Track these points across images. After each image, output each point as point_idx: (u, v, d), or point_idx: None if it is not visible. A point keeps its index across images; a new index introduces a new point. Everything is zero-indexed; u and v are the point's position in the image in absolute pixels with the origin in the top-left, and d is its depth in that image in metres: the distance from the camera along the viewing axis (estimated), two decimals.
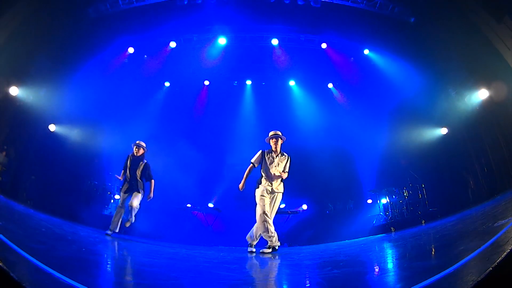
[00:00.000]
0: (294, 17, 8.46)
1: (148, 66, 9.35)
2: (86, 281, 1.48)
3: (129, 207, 5.26)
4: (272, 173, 4.51)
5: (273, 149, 4.64)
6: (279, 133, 4.72)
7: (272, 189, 4.48)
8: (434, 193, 7.77)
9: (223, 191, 9.88)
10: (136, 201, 5.29)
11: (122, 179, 5.51)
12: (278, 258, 3.84)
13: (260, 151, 4.71)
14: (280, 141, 4.64)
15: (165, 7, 7.90)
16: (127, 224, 5.35)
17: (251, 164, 4.65)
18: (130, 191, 5.37)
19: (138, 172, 5.42)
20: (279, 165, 4.56)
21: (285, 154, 4.70)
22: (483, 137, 7.46)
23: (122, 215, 5.32)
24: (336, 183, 9.68)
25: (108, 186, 8.17)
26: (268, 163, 4.57)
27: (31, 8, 6.59)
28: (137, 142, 5.57)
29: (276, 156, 4.61)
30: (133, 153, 5.49)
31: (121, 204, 5.35)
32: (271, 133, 4.73)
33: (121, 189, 5.48)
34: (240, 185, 4.58)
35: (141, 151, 5.54)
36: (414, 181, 7.96)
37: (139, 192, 5.38)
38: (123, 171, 5.51)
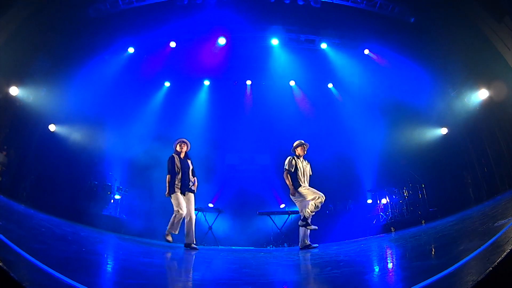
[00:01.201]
0: (294, 17, 8.46)
1: (148, 66, 9.35)
2: (86, 281, 1.48)
3: (187, 217, 4.78)
4: (305, 177, 5.12)
5: (301, 155, 5.28)
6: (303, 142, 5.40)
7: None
8: (434, 193, 7.77)
9: (224, 191, 9.89)
10: (192, 207, 4.93)
11: (170, 182, 4.93)
12: (278, 258, 3.85)
13: (291, 158, 5.21)
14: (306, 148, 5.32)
15: (165, 7, 7.89)
16: (193, 247, 4.71)
17: (287, 171, 5.09)
18: (184, 191, 4.92)
19: (190, 171, 5.09)
20: (306, 168, 5.21)
21: (305, 159, 5.33)
22: (483, 137, 7.47)
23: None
24: (336, 183, 9.67)
25: (108, 186, 8.16)
26: (300, 168, 5.13)
27: (31, 8, 6.59)
28: (182, 139, 5.26)
29: (303, 162, 5.23)
30: (178, 151, 5.15)
31: (182, 206, 4.73)
32: (302, 141, 5.33)
33: (176, 188, 4.87)
34: (292, 191, 5.02)
35: (185, 148, 5.24)
36: (414, 181, 7.96)
37: (193, 193, 5.00)
38: (169, 175, 4.98)
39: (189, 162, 5.20)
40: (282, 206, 9.75)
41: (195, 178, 5.16)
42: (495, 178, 6.99)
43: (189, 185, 4.99)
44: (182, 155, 5.17)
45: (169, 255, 3.92)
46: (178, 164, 5.02)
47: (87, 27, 7.75)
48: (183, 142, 5.24)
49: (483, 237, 2.34)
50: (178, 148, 5.18)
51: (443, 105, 8.49)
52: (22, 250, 1.75)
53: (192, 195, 5.00)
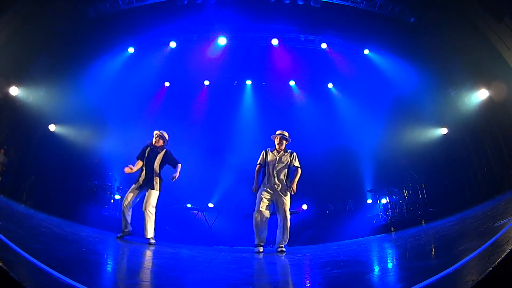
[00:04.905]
0: (294, 17, 8.47)
1: (148, 66, 9.35)
2: (86, 281, 1.48)
3: (144, 211, 4.61)
4: (274, 171, 4.53)
5: (276, 148, 4.71)
6: (286, 133, 4.78)
7: (273, 187, 4.49)
8: (434, 193, 7.77)
9: (223, 191, 9.89)
10: (151, 201, 4.64)
11: (134, 171, 4.73)
12: (279, 258, 3.84)
13: (263, 151, 4.78)
14: (284, 142, 4.72)
15: (165, 7, 7.90)
16: (151, 242, 4.54)
17: (258, 165, 4.70)
18: (144, 187, 4.70)
19: (157, 165, 4.77)
20: (282, 163, 4.59)
21: (288, 151, 4.74)
22: (483, 137, 7.47)
23: (130, 215, 4.66)
24: (336, 183, 9.68)
25: (108, 186, 8.17)
26: (269, 161, 4.61)
27: (31, 8, 6.59)
28: (159, 132, 4.97)
29: (278, 154, 4.65)
30: (152, 142, 4.89)
31: (129, 202, 4.60)
32: (278, 131, 4.81)
33: (135, 183, 4.73)
34: (253, 188, 4.63)
35: (161, 142, 4.92)
36: (414, 181, 7.96)
37: (154, 189, 4.70)
38: (138, 161, 4.80)
39: (161, 155, 4.89)
40: None
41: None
42: (495, 178, 6.98)
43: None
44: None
45: (169, 255, 3.92)
46: (146, 155, 4.86)
47: (87, 27, 7.75)
48: (160, 135, 4.97)
49: (483, 237, 2.34)
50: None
51: (443, 105, 8.50)
52: (22, 250, 1.75)
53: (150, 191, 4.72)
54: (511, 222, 2.45)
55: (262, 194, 4.45)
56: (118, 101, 9.17)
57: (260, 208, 4.38)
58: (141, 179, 4.73)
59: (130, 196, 4.67)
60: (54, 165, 7.72)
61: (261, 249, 4.42)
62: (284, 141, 4.72)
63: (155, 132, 5.02)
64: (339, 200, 9.76)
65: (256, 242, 4.46)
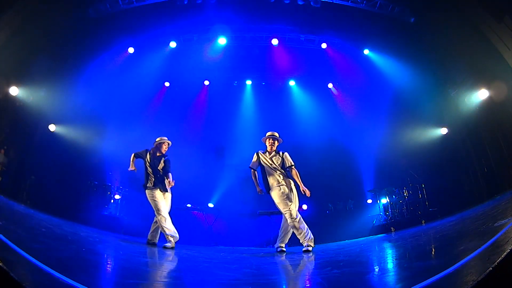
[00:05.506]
0: (294, 17, 8.48)
1: (148, 66, 9.35)
2: (86, 281, 1.48)
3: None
4: (273, 172, 4.54)
5: (268, 149, 4.70)
6: (276, 134, 4.77)
7: (286, 185, 4.48)
8: (434, 193, 7.77)
9: (223, 191, 9.89)
10: (168, 204, 4.76)
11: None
12: (279, 258, 3.85)
13: (255, 154, 4.76)
14: (276, 143, 4.72)
15: (165, 7, 7.90)
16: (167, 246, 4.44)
17: (252, 169, 4.71)
18: (157, 186, 4.76)
19: (160, 169, 4.84)
20: (275, 163, 4.58)
21: (279, 152, 4.74)
22: (483, 137, 7.46)
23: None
24: (336, 183, 9.68)
25: (108, 186, 8.16)
26: (264, 163, 4.61)
27: (31, 8, 6.59)
28: (166, 139, 5.05)
29: (270, 155, 4.65)
30: (157, 148, 4.96)
31: (162, 207, 4.59)
32: (268, 133, 4.78)
33: (146, 185, 4.79)
34: (258, 190, 4.64)
35: (165, 148, 5.03)
36: (414, 181, 7.96)
37: (168, 191, 4.82)
38: (134, 157, 4.91)
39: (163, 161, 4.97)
40: None
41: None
42: (495, 178, 6.98)
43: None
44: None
45: (170, 256, 3.93)
46: (148, 160, 4.93)
47: (87, 27, 7.75)
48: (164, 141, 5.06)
49: (483, 237, 2.34)
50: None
51: (443, 105, 8.50)
52: (22, 250, 1.75)
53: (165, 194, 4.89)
54: (511, 222, 2.45)
55: (281, 194, 4.35)
56: (118, 101, 9.17)
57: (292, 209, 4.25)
58: (150, 183, 4.79)
59: (162, 200, 4.69)
60: (54, 165, 7.71)
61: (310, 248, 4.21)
62: (276, 142, 4.72)
63: (163, 138, 5.05)
64: (339, 200, 9.76)
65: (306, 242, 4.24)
